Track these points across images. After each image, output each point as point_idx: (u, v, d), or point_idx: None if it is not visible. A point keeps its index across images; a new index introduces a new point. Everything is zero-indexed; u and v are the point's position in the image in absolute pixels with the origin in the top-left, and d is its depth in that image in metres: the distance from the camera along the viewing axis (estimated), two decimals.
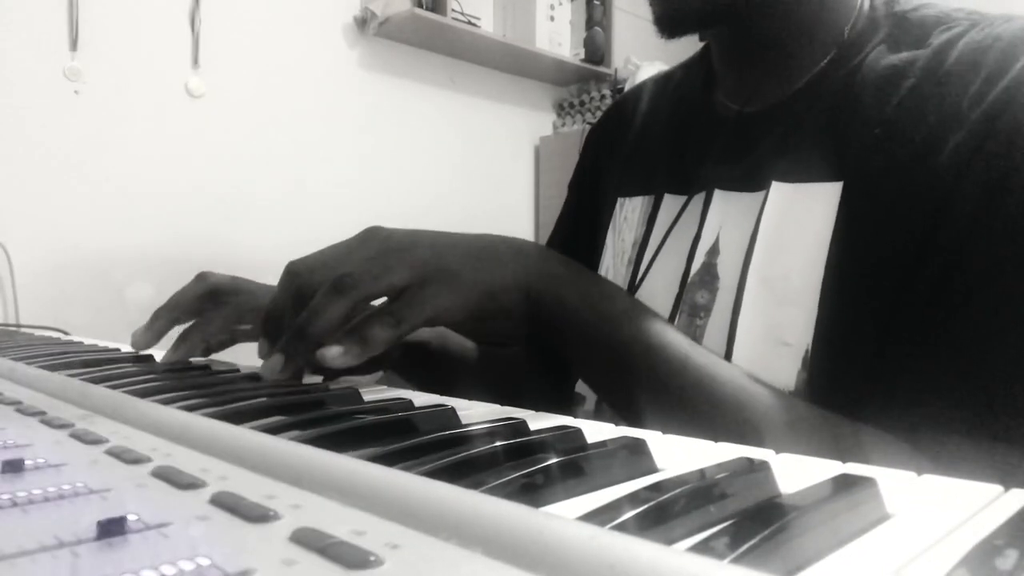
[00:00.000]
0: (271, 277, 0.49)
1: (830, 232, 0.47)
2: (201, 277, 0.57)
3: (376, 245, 0.43)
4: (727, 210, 0.55)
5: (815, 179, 0.49)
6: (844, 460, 0.24)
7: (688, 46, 0.68)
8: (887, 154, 0.47)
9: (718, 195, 0.56)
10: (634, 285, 0.59)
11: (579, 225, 0.72)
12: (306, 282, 0.42)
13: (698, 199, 0.57)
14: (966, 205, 0.42)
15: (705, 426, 0.40)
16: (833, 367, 0.45)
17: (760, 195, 0.52)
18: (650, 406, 0.42)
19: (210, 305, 0.55)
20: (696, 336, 0.52)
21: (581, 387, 0.61)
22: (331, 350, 0.38)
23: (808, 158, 0.50)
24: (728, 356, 0.49)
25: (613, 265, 0.65)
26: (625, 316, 0.44)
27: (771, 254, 0.50)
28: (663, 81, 0.71)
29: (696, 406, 0.41)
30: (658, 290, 0.56)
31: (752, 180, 0.53)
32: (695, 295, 0.54)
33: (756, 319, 0.49)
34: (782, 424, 0.40)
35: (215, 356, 0.57)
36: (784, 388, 0.43)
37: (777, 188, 0.51)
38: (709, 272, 0.54)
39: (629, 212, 0.65)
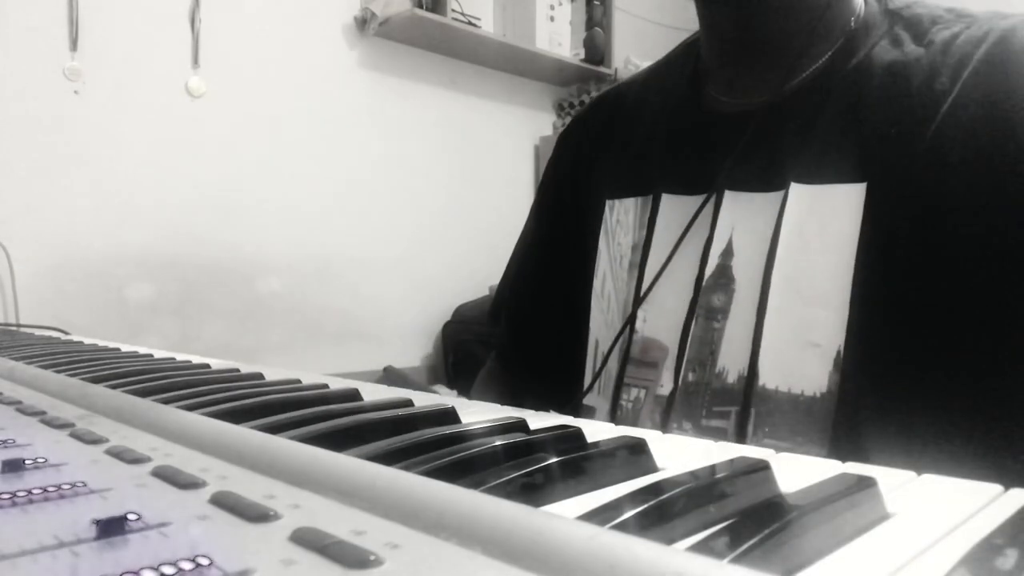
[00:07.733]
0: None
1: (857, 233, 0.47)
2: None
3: None
4: (740, 211, 0.53)
5: (837, 180, 0.49)
6: None
7: None
8: (906, 153, 0.46)
9: (729, 196, 0.54)
10: (640, 290, 0.57)
11: (554, 245, 0.70)
12: None
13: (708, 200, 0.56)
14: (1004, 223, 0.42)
15: None
16: (868, 368, 0.45)
17: (776, 196, 0.51)
18: None
19: None
20: (714, 339, 0.52)
21: (591, 399, 0.60)
22: None
23: (826, 158, 0.50)
24: (755, 358, 0.48)
25: (611, 270, 0.63)
26: None
27: (795, 255, 0.49)
28: (643, 79, 0.69)
29: None
30: (670, 294, 0.55)
31: (767, 181, 0.52)
32: (711, 298, 0.53)
33: (783, 320, 0.49)
34: None
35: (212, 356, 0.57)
36: (816, 390, 0.42)
37: (796, 189, 0.50)
38: (724, 275, 0.53)
39: (621, 215, 0.63)
